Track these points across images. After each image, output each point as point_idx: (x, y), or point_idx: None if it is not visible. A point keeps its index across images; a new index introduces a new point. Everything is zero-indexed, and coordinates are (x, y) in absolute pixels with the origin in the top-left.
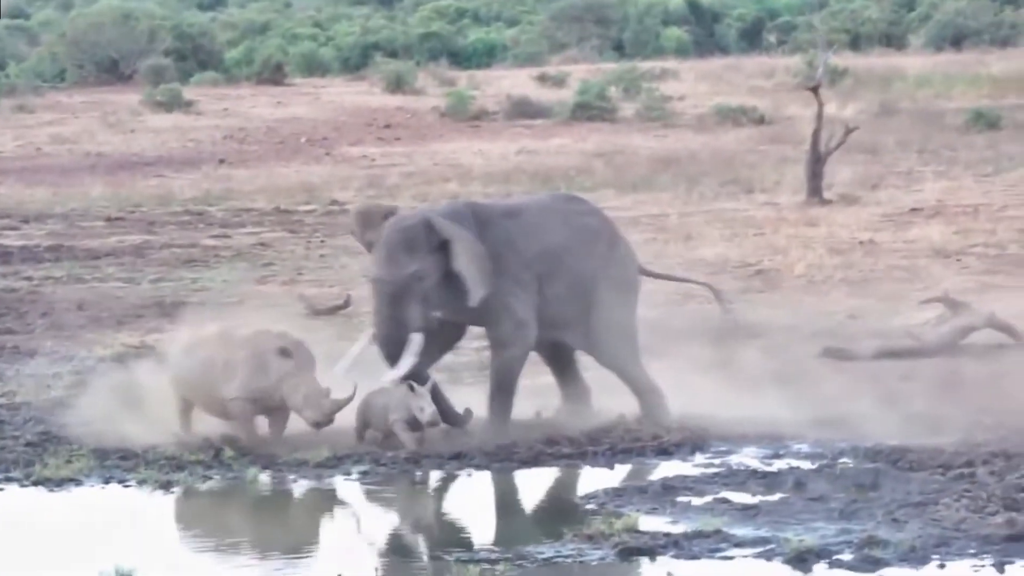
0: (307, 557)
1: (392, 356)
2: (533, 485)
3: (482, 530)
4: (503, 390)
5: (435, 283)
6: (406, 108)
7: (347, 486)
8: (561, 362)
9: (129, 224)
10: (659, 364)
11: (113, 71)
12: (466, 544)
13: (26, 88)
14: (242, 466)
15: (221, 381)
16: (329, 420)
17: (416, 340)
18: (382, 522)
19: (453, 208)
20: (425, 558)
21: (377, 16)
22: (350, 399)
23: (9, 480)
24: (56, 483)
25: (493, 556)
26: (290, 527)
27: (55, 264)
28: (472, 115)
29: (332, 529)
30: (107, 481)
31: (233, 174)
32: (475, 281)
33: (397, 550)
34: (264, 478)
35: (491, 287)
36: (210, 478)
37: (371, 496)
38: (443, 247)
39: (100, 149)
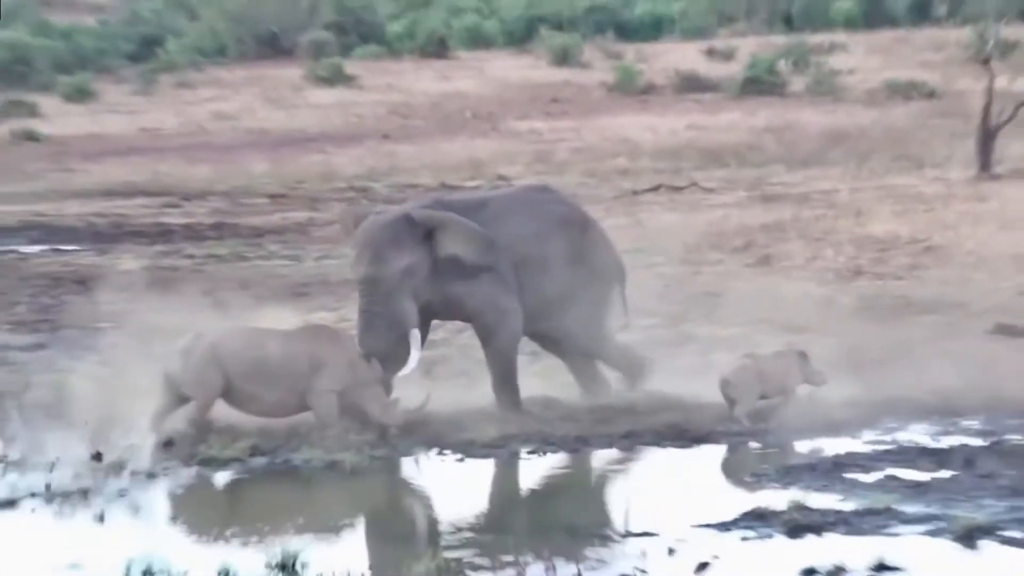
0: (482, 537)
1: (385, 355)
2: (704, 463)
3: (652, 507)
4: (506, 380)
5: (423, 277)
6: (572, 82)
7: (516, 465)
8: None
9: (292, 201)
10: (827, 341)
11: (274, 45)
12: (637, 521)
13: (186, 64)
14: (408, 445)
15: (308, 375)
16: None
17: (416, 335)
18: (555, 501)
19: (425, 203)
20: (597, 536)
21: None
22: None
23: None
24: (220, 463)
25: (663, 533)
26: (457, 508)
27: (218, 242)
28: (640, 89)
29: (502, 509)
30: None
31: (397, 150)
32: (476, 254)
33: (571, 529)
34: (429, 458)
35: (491, 257)
36: (377, 457)
37: (544, 475)
38: (427, 238)
39: (262, 125)
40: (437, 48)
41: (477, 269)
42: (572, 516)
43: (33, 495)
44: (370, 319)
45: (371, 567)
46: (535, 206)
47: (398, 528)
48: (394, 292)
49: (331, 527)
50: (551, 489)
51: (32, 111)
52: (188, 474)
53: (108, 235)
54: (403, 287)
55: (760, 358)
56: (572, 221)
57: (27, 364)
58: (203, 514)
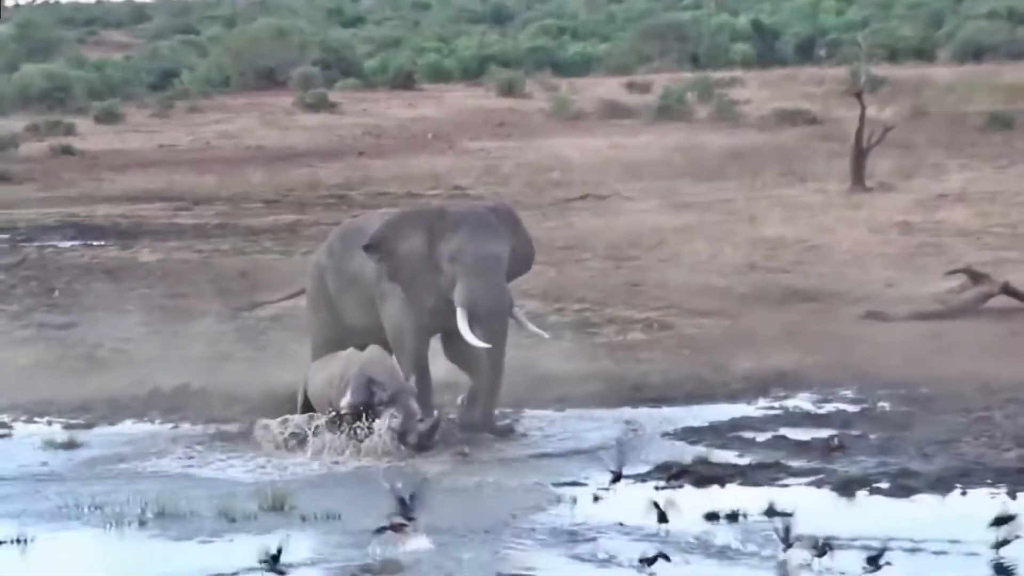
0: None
1: (502, 328)
2: (620, 426)
3: (580, 463)
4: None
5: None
6: (517, 109)
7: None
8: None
9: (283, 206)
10: (727, 323)
11: (270, 78)
12: (566, 474)
13: (197, 93)
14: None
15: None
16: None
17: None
18: (493, 460)
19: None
20: (533, 488)
21: (492, 32)
22: (437, 425)
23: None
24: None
25: (588, 482)
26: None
27: (222, 239)
28: (572, 116)
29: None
30: None
31: (371, 164)
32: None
33: (504, 482)
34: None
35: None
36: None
37: (486, 435)
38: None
39: (259, 143)
40: (405, 81)
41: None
42: (509, 472)
43: None
44: (498, 291)
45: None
46: None
47: None
48: (502, 269)
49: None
50: (490, 446)
51: (69, 130)
52: None
53: (131, 233)
54: (503, 267)
55: None
56: None
57: (62, 340)
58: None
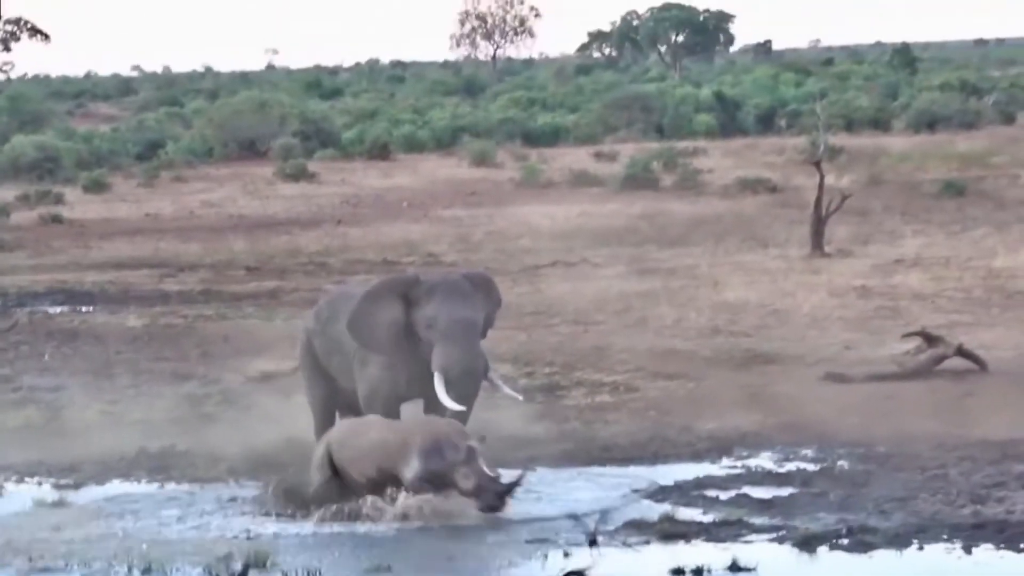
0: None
1: (475, 391)
2: (588, 483)
3: (551, 520)
4: None
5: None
6: (488, 179)
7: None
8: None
9: (265, 273)
10: (691, 385)
11: (251, 149)
12: (538, 532)
13: (182, 163)
14: None
15: (399, 464)
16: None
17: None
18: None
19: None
20: (503, 544)
21: (464, 104)
22: (514, 485)
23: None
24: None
25: (559, 540)
26: None
27: (205, 305)
28: (541, 184)
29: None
30: None
31: (348, 232)
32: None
33: (481, 536)
34: None
35: None
36: None
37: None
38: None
39: (241, 212)
40: (381, 151)
41: None
42: (482, 528)
43: None
44: (474, 354)
45: None
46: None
47: None
48: (478, 335)
49: None
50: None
51: (58, 199)
52: None
53: (118, 299)
54: (479, 332)
55: None
56: None
57: (51, 403)
58: None
